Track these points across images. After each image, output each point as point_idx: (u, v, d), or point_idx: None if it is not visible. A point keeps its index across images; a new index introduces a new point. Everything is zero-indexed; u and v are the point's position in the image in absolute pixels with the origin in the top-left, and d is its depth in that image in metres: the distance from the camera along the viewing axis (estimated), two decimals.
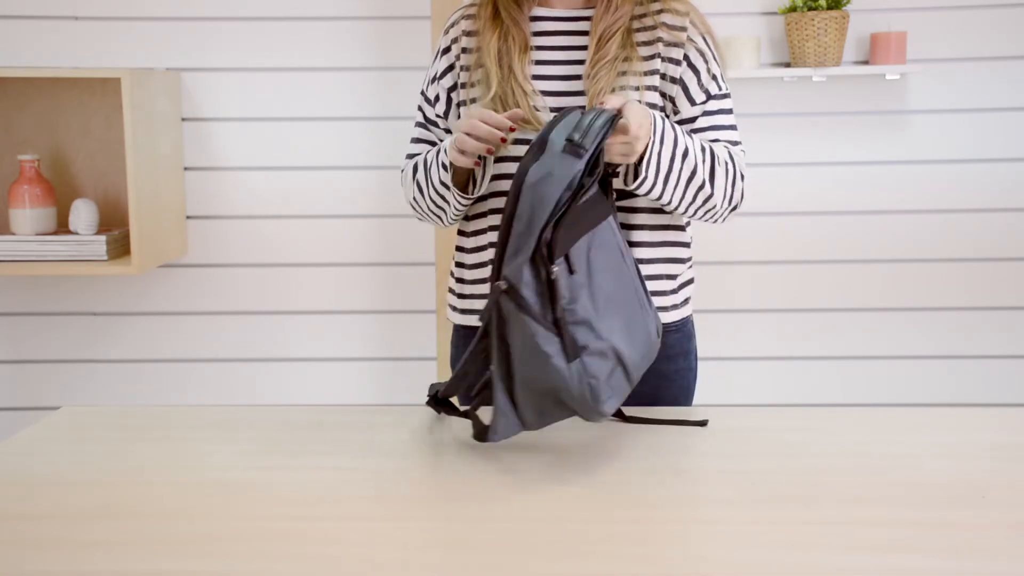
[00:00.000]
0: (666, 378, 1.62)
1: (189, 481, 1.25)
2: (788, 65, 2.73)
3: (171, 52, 2.73)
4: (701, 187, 1.50)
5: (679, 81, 1.55)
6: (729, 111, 1.59)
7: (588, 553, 1.04)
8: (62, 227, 2.66)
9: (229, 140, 2.77)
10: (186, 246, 2.79)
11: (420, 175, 1.59)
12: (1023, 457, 1.33)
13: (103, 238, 2.55)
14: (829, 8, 2.58)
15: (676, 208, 1.52)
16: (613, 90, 1.50)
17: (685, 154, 1.47)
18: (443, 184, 1.54)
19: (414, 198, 1.62)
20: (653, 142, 1.42)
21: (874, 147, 2.76)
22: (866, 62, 2.72)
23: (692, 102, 1.55)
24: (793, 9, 2.63)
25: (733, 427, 1.45)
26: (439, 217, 1.62)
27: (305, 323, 2.84)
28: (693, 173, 1.48)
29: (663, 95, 1.55)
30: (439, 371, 2.72)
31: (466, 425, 1.45)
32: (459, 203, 1.55)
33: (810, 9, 2.59)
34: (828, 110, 2.75)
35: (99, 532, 1.10)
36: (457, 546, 1.08)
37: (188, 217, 2.79)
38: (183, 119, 2.76)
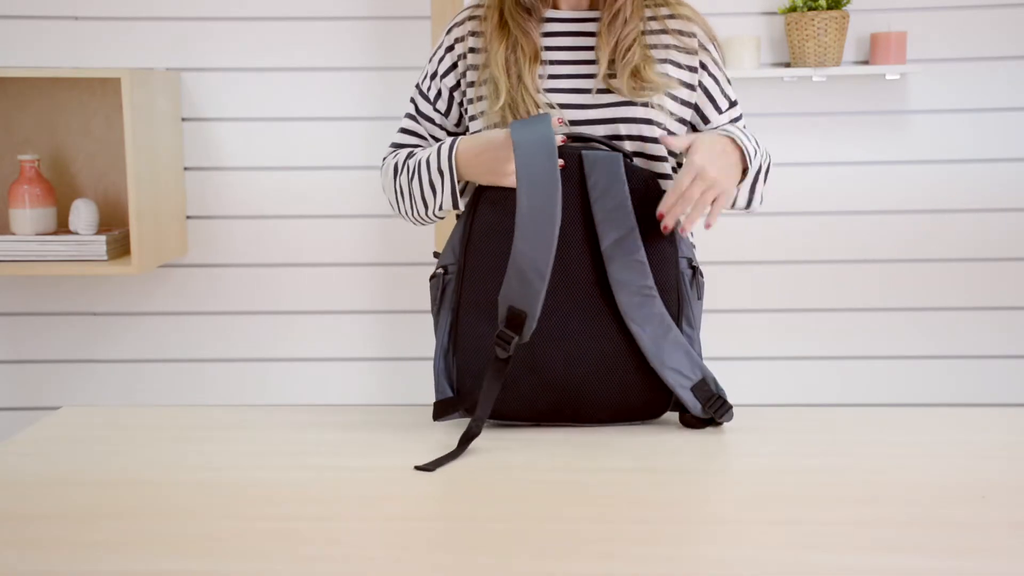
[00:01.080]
0: None
1: (189, 481, 1.25)
2: (788, 65, 2.73)
3: (171, 52, 2.73)
4: (761, 179, 1.59)
5: (700, 87, 1.56)
6: (741, 114, 1.63)
7: (588, 553, 1.04)
8: (62, 227, 2.66)
9: (229, 140, 2.77)
10: (186, 246, 2.79)
11: (404, 176, 1.56)
12: (1022, 457, 1.33)
13: (103, 238, 2.55)
14: (829, 8, 2.58)
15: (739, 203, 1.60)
16: (635, 88, 1.52)
17: (757, 149, 1.54)
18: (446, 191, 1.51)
19: (398, 198, 1.58)
20: (745, 147, 1.49)
21: (874, 147, 2.76)
22: (866, 62, 2.72)
23: (719, 109, 1.58)
24: (793, 9, 2.63)
25: (733, 427, 1.45)
26: (416, 211, 1.57)
27: (305, 323, 2.84)
28: (756, 176, 1.56)
29: (684, 103, 1.55)
30: None
31: (465, 425, 1.45)
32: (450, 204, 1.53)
33: (810, 9, 2.59)
34: (828, 110, 2.75)
35: (99, 532, 1.10)
36: (457, 546, 1.08)
37: (188, 217, 2.79)
38: (183, 119, 2.76)
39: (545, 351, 1.42)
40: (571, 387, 1.44)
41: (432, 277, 1.51)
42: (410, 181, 1.55)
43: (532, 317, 1.36)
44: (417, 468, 1.29)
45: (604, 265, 1.41)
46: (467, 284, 1.46)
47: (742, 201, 1.57)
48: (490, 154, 1.44)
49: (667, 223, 1.42)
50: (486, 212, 1.47)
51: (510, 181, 1.42)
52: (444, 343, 1.48)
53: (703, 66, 1.55)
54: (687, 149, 1.43)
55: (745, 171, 1.50)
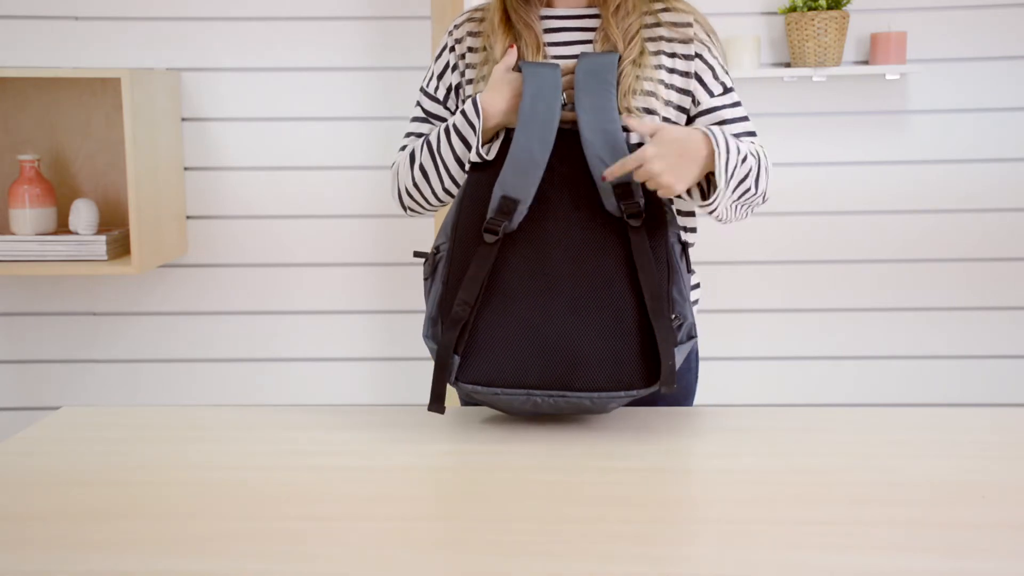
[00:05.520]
0: None
1: (189, 481, 1.25)
2: (788, 65, 2.73)
3: (171, 52, 2.73)
4: (748, 192, 1.51)
5: (694, 76, 1.55)
6: (740, 103, 1.59)
7: (588, 553, 1.04)
8: (62, 227, 2.66)
9: (229, 140, 2.77)
10: (186, 246, 2.79)
11: (425, 152, 1.57)
12: (1022, 457, 1.33)
13: (103, 238, 2.55)
14: (829, 8, 2.58)
15: (721, 216, 1.53)
16: (635, 96, 1.50)
17: (744, 160, 1.47)
18: (465, 128, 1.51)
19: (414, 181, 1.59)
20: (718, 154, 1.42)
21: (874, 147, 2.76)
22: (866, 62, 2.72)
23: (710, 93, 1.56)
24: (793, 9, 2.63)
25: (733, 427, 1.45)
26: (439, 188, 1.58)
27: (305, 323, 2.84)
28: (745, 178, 1.48)
29: (681, 91, 1.55)
30: None
31: (465, 425, 1.45)
32: (478, 154, 1.51)
33: (810, 9, 2.59)
34: (828, 110, 2.75)
35: (99, 532, 1.10)
36: (457, 546, 1.08)
37: (188, 217, 2.79)
38: (183, 119, 2.76)
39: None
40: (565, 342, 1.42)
41: (425, 261, 1.52)
42: (436, 151, 1.54)
43: (524, 203, 1.41)
44: (430, 410, 1.42)
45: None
46: (455, 256, 1.45)
47: (723, 214, 1.51)
48: (501, 81, 1.49)
49: (606, 175, 1.42)
50: (473, 190, 1.48)
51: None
52: (433, 312, 1.47)
53: (698, 55, 1.55)
54: (652, 136, 1.41)
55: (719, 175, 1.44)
